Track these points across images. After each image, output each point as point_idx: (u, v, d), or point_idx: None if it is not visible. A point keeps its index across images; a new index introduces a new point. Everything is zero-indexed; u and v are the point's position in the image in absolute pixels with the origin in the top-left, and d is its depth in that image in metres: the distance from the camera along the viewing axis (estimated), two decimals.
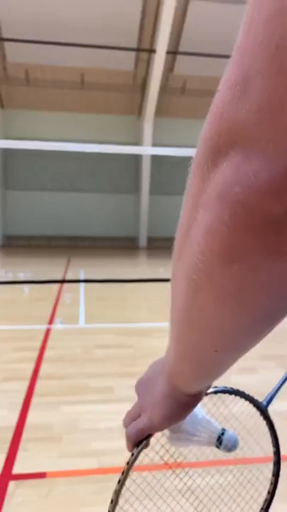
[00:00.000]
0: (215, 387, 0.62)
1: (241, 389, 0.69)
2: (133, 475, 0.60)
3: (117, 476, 0.60)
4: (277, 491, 0.72)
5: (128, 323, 5.25)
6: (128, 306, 6.29)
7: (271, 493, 0.72)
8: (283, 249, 0.29)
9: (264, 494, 0.73)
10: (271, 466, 0.73)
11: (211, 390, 0.62)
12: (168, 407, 0.52)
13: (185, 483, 0.79)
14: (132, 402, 0.56)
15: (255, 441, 0.94)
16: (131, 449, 0.59)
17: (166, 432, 0.61)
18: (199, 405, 0.61)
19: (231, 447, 0.61)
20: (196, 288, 0.36)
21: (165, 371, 0.51)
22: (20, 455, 2.32)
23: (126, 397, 3.05)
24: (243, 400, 0.66)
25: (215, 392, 0.63)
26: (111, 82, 15.77)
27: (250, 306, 0.34)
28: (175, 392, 0.51)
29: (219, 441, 0.61)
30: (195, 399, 0.52)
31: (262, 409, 0.68)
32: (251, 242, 0.29)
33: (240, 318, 0.36)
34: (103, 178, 17.69)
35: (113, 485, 0.76)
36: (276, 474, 0.71)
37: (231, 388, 0.65)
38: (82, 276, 9.08)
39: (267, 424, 0.69)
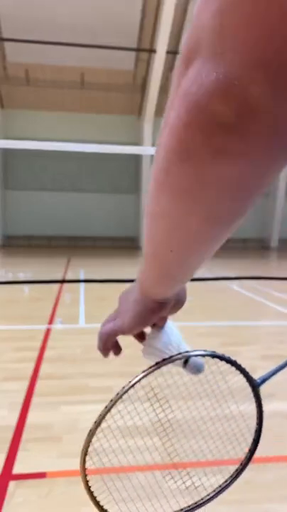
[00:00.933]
0: (214, 351, 0.64)
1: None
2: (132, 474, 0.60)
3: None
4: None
5: None
6: None
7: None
8: (225, 149, 0.31)
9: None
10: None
11: (210, 352, 0.64)
12: (138, 311, 0.59)
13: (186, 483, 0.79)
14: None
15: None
16: (99, 347, 0.67)
17: (142, 347, 0.68)
18: (176, 330, 0.67)
19: (195, 370, 0.66)
20: (159, 186, 0.39)
21: (138, 280, 0.58)
22: (20, 455, 2.32)
23: (126, 397, 3.05)
24: (238, 372, 0.67)
25: (213, 356, 0.64)
26: (111, 82, 15.77)
27: (200, 204, 0.37)
28: (144, 297, 0.58)
29: (185, 363, 0.65)
30: (160, 306, 0.59)
31: (254, 386, 0.69)
32: (200, 139, 0.31)
33: (191, 216, 0.38)
34: (103, 178, 17.69)
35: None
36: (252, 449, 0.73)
37: (229, 357, 0.66)
38: (82, 276, 9.08)
39: (256, 401, 0.69)
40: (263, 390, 0.74)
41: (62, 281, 8.24)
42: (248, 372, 0.68)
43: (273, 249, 18.25)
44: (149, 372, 0.61)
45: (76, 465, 2.25)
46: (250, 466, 0.76)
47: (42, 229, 17.49)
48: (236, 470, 0.74)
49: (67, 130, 16.39)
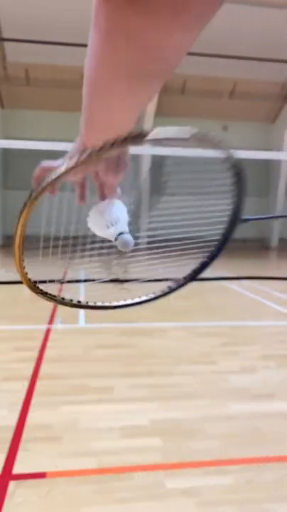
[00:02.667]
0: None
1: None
2: None
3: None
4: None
5: (128, 323, 5.25)
6: None
7: None
8: (135, 2, 0.35)
9: None
10: None
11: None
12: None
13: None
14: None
15: None
16: (34, 173, 0.70)
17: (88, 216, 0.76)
18: (123, 209, 0.74)
19: (122, 246, 0.72)
20: (92, 27, 0.44)
21: (80, 126, 0.61)
22: (20, 455, 2.32)
23: (126, 397, 3.05)
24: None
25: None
26: None
27: (115, 50, 0.42)
28: (81, 144, 0.62)
29: (116, 237, 0.72)
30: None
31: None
32: None
33: (109, 61, 0.43)
34: None
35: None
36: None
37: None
38: (82, 276, 9.09)
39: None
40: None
41: (62, 281, 8.25)
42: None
43: (273, 249, 18.25)
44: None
45: (76, 465, 2.26)
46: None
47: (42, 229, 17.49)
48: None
49: (67, 130, 16.36)
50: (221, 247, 0.72)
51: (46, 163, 0.69)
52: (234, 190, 0.65)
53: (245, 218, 0.71)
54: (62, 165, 0.62)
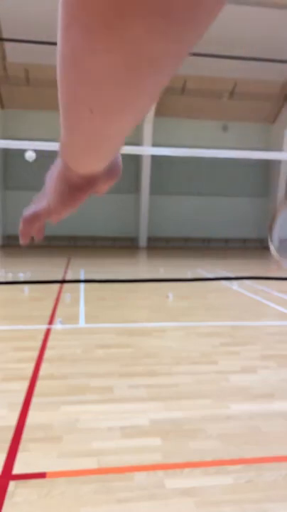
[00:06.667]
0: None
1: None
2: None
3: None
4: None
5: (128, 323, 5.25)
6: (129, 306, 6.29)
7: None
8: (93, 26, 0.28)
9: None
10: None
11: None
12: (61, 189, 0.51)
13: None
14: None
15: None
16: (20, 230, 0.57)
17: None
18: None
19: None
20: (57, 52, 0.34)
21: (59, 148, 0.47)
22: (20, 455, 2.32)
23: (126, 397, 3.05)
24: None
25: None
26: None
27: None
28: (66, 171, 0.48)
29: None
30: (86, 183, 0.50)
31: None
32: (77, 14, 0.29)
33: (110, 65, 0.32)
34: None
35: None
36: None
37: None
38: (82, 276, 9.08)
39: None
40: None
41: (62, 281, 8.25)
42: None
43: None
44: None
45: (76, 465, 2.26)
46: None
47: None
48: None
49: None
50: None
51: (30, 212, 0.58)
52: None
53: None
54: (44, 205, 0.53)
